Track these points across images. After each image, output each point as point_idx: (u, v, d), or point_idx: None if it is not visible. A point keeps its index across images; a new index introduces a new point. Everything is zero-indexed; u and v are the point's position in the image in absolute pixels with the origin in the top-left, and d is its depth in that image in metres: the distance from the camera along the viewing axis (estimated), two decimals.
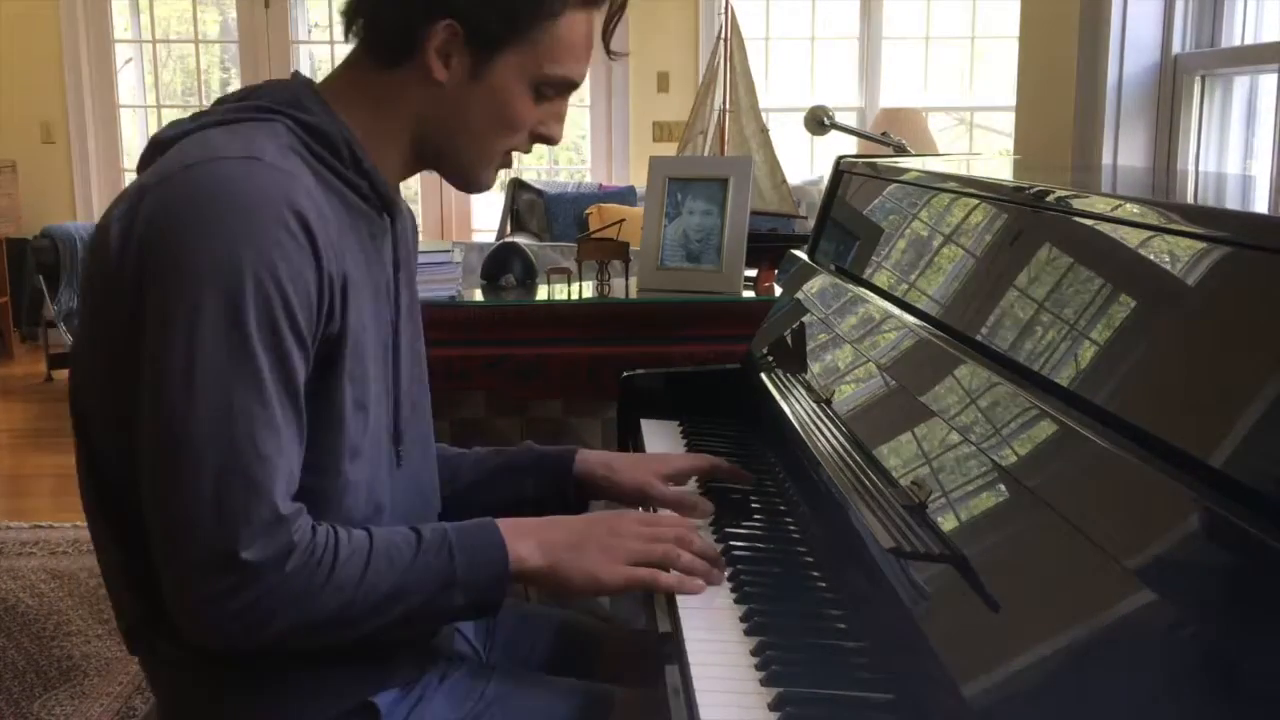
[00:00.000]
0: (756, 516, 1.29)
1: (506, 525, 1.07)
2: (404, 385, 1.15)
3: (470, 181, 1.15)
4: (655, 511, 1.28)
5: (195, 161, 0.97)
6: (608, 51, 1.15)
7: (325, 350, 1.01)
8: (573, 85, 1.12)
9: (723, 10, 3.07)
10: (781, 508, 1.32)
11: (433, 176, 6.42)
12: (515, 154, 1.17)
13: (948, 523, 0.91)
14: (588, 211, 5.45)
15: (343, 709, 1.09)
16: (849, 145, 5.22)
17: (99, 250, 1.00)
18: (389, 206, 1.12)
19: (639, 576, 1.08)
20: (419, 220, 6.24)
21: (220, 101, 1.09)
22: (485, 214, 6.42)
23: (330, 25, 6.29)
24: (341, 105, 1.08)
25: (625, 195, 5.71)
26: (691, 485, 1.38)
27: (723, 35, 3.05)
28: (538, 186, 5.89)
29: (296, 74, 1.12)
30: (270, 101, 1.06)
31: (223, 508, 0.92)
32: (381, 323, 1.11)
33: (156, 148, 1.04)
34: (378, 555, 1.00)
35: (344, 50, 1.13)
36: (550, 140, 1.15)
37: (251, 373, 0.94)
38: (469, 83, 1.07)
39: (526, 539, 1.07)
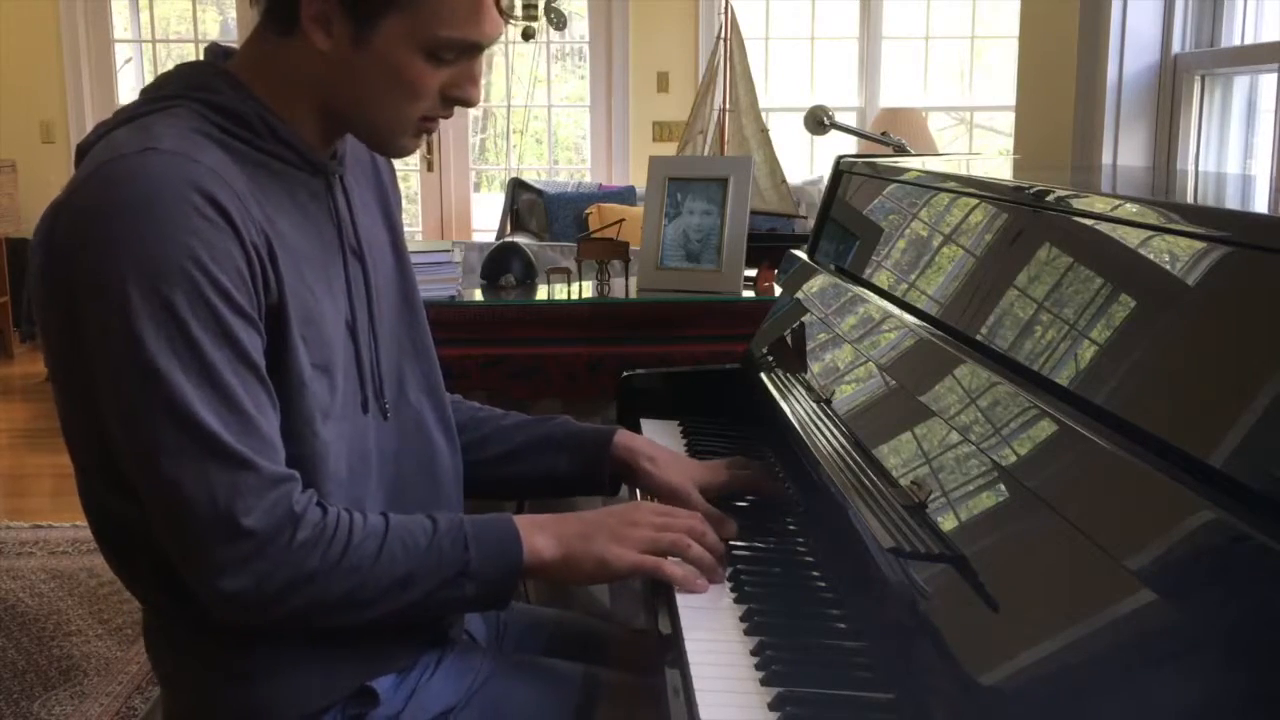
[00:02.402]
0: (756, 516, 1.29)
1: (523, 520, 1.09)
2: (385, 332, 1.16)
3: (385, 148, 1.13)
4: None
5: (96, 167, 0.98)
6: (500, 12, 1.08)
7: (270, 320, 1.02)
8: (475, 46, 1.06)
9: (723, 10, 3.07)
10: (781, 507, 1.32)
11: (432, 177, 6.35)
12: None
13: (947, 522, 0.91)
14: (587, 211, 5.45)
15: (341, 694, 1.10)
16: (849, 145, 5.22)
17: (32, 278, 1.02)
18: (319, 168, 1.10)
19: (646, 564, 1.09)
20: (418, 217, 6.24)
21: (143, 91, 1.09)
22: (485, 214, 6.42)
23: None
24: (251, 77, 1.07)
25: (625, 195, 5.71)
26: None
27: (723, 35, 3.05)
28: (537, 186, 5.88)
29: (211, 47, 1.11)
30: (177, 88, 1.06)
31: (210, 485, 0.95)
32: (336, 281, 1.11)
33: (81, 153, 1.05)
34: (393, 539, 1.02)
35: None
36: (466, 103, 1.10)
37: (196, 360, 0.95)
38: (355, 50, 1.03)
39: (542, 532, 1.08)
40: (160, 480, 0.95)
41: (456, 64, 1.06)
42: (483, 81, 1.13)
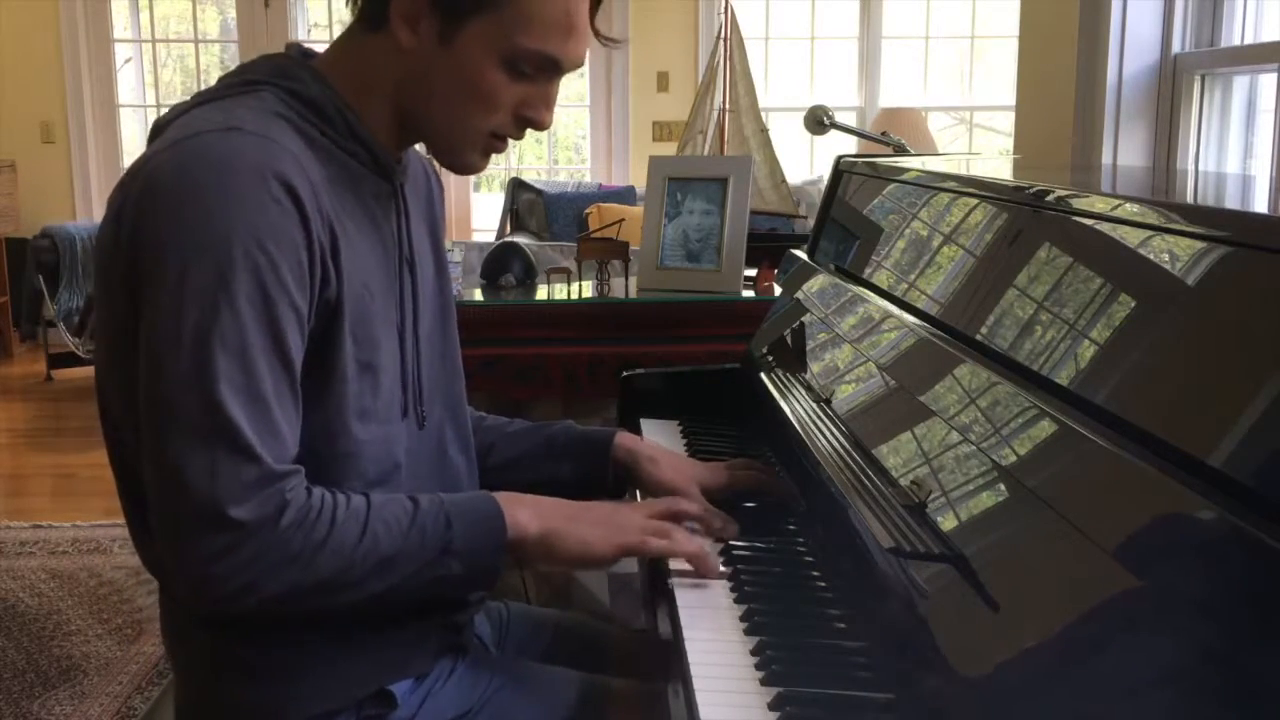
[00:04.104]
0: (756, 517, 1.29)
1: (504, 495, 1.09)
2: (424, 344, 1.16)
3: (451, 160, 1.13)
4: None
5: (178, 139, 0.98)
6: (597, 35, 1.11)
7: (326, 313, 1.02)
8: (555, 64, 1.07)
9: (722, 10, 3.07)
10: (781, 508, 1.32)
11: None
12: (512, 141, 1.12)
13: (947, 522, 0.91)
14: (587, 211, 5.44)
15: (361, 695, 1.10)
16: (849, 145, 5.22)
17: (100, 239, 1.01)
18: (388, 171, 1.11)
19: (630, 543, 1.10)
20: None
21: (224, 77, 1.10)
22: (485, 214, 6.43)
23: (330, 25, 6.29)
24: (334, 73, 1.08)
25: (625, 195, 5.71)
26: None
27: (723, 35, 3.05)
28: (537, 186, 5.88)
29: (291, 44, 1.12)
30: (261, 74, 1.06)
31: (212, 469, 0.93)
32: (390, 283, 1.11)
33: (157, 131, 1.06)
34: (375, 519, 1.01)
35: None
36: (537, 125, 1.10)
37: (237, 341, 0.94)
38: (438, 51, 1.04)
39: (524, 507, 1.08)
40: (166, 453, 0.94)
41: (534, 81, 1.07)
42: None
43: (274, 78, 1.06)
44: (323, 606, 1.01)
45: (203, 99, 1.06)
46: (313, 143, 1.04)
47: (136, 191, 0.97)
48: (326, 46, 1.12)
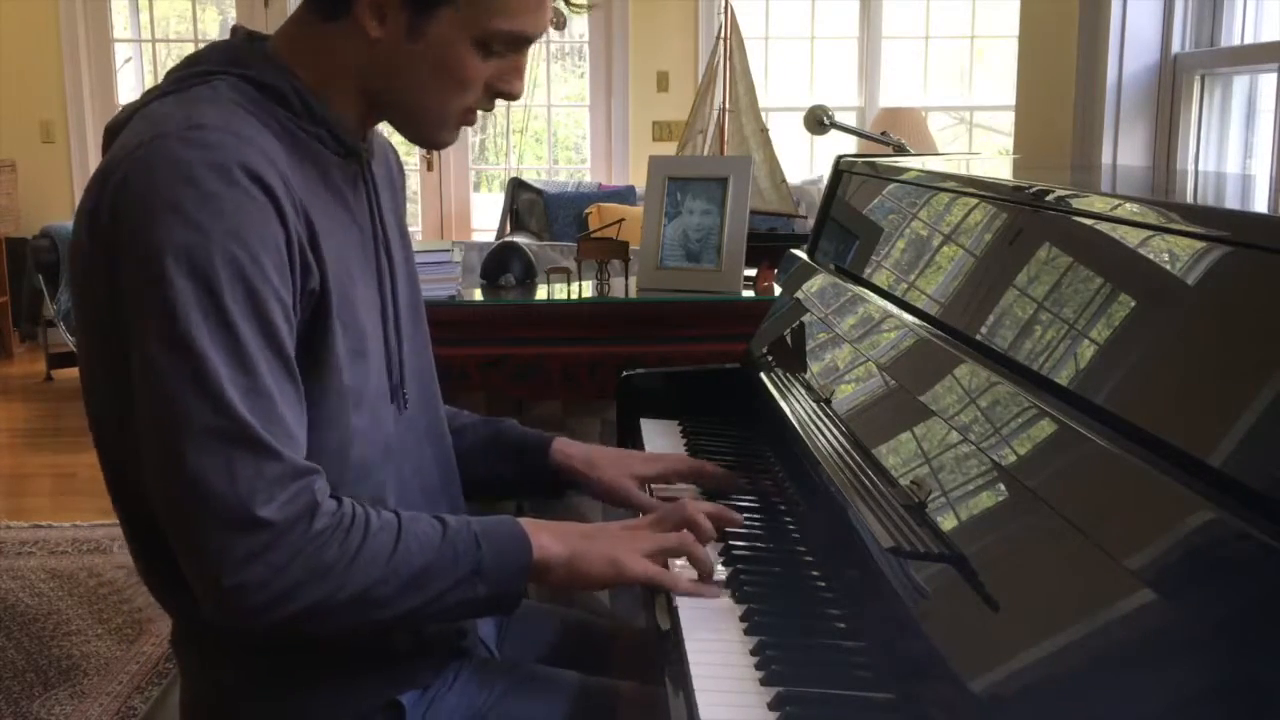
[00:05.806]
0: (756, 516, 1.29)
1: (525, 521, 1.07)
2: (404, 328, 1.15)
3: (426, 139, 1.12)
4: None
5: (142, 141, 0.96)
6: (567, 2, 1.11)
7: (312, 304, 1.00)
8: (526, 39, 1.06)
9: (722, 10, 3.07)
10: (781, 507, 1.32)
11: (432, 178, 6.31)
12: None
13: (947, 522, 0.91)
14: (587, 211, 5.44)
15: (370, 708, 1.09)
16: (849, 145, 5.22)
17: (74, 248, 0.99)
18: (353, 153, 1.10)
19: (661, 575, 1.08)
20: (418, 217, 6.24)
21: (170, 73, 1.07)
22: (485, 213, 6.42)
23: None
24: (289, 58, 1.05)
25: (625, 195, 5.70)
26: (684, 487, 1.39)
27: (722, 35, 3.06)
28: (537, 186, 5.88)
29: (237, 29, 1.10)
30: (211, 64, 1.04)
31: (231, 470, 0.91)
32: (368, 265, 1.10)
33: (112, 134, 1.03)
34: (407, 533, 0.99)
35: None
36: (510, 96, 1.10)
37: (230, 341, 0.92)
38: (407, 40, 1.03)
39: (547, 532, 1.07)
40: (180, 460, 0.91)
41: (504, 56, 1.07)
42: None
43: (228, 66, 1.03)
44: (350, 625, 0.98)
45: (154, 96, 1.03)
46: (276, 130, 1.02)
47: (109, 198, 0.95)
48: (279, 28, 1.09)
